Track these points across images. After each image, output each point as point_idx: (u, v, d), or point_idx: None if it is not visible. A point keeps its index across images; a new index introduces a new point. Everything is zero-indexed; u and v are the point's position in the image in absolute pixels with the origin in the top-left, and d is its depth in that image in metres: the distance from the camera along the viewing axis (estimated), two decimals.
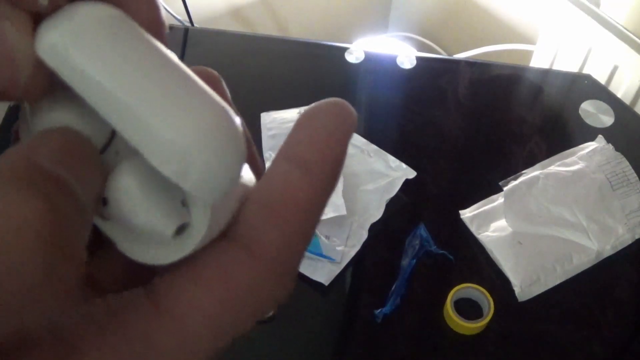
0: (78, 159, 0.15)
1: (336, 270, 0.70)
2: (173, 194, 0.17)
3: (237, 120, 0.15)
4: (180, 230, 0.17)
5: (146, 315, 0.15)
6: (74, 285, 0.14)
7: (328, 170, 0.17)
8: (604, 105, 0.87)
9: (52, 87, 0.16)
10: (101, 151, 0.17)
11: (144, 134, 0.14)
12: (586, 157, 0.76)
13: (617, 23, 0.97)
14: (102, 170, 0.16)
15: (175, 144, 0.14)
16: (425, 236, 0.72)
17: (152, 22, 0.17)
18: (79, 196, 0.14)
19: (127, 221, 0.17)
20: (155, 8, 0.17)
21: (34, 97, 0.16)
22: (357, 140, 0.82)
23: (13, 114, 0.84)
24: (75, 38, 0.15)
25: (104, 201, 0.17)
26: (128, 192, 0.16)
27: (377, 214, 0.75)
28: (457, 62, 1.01)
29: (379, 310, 0.67)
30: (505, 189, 0.74)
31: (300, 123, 0.17)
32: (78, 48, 0.15)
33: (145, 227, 0.16)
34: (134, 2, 0.17)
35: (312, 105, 0.18)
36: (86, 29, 0.15)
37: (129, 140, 0.15)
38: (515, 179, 0.76)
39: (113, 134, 0.17)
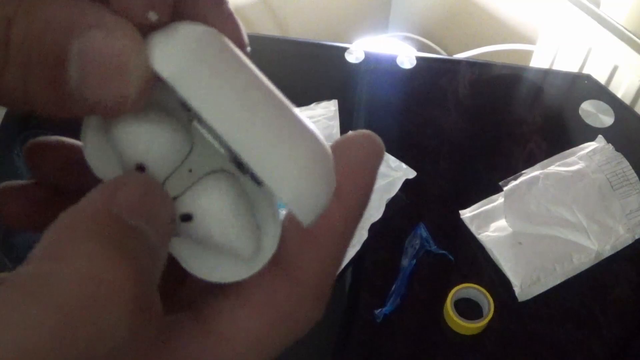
0: (155, 208, 0.15)
1: None
2: (251, 216, 0.17)
3: (329, 150, 0.16)
4: (254, 251, 0.17)
5: (197, 337, 0.15)
6: (154, 336, 0.14)
7: (360, 198, 0.18)
8: (604, 105, 0.87)
9: None
10: (177, 167, 0.17)
11: (265, 162, 0.15)
12: (586, 157, 0.76)
13: (617, 23, 0.97)
14: (173, 207, 0.16)
15: (291, 173, 0.15)
16: (425, 236, 0.72)
17: (237, 43, 0.17)
18: (156, 246, 0.15)
19: (208, 238, 0.17)
20: (238, 28, 0.17)
21: (138, 111, 0.15)
22: None
23: (13, 114, 0.84)
24: (197, 56, 0.15)
25: (186, 217, 0.17)
26: (220, 208, 0.16)
27: (377, 214, 0.75)
28: (457, 62, 1.01)
29: (379, 310, 0.67)
30: (505, 189, 0.74)
31: (333, 152, 0.17)
32: (202, 67, 0.15)
33: (226, 245, 0.17)
34: (220, 23, 0.17)
35: (344, 136, 0.19)
36: (204, 49, 0.15)
37: (247, 163, 0.15)
38: (515, 179, 0.76)
39: (189, 152, 0.17)
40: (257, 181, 0.17)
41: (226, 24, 0.17)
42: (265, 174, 0.15)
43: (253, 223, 0.17)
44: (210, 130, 0.17)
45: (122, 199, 0.14)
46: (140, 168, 0.16)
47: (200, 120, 0.17)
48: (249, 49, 0.17)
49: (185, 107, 0.17)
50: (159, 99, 0.16)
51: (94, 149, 0.17)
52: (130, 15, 0.14)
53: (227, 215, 0.16)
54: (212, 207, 0.16)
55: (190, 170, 0.17)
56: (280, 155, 0.15)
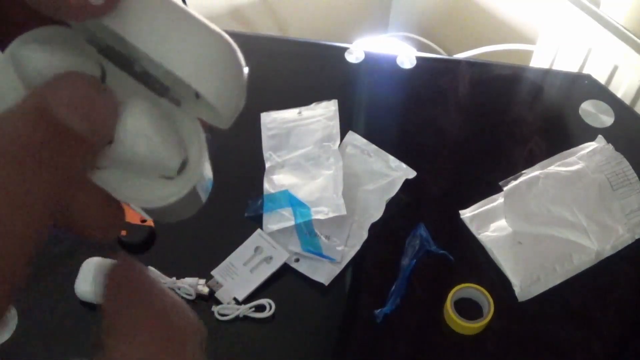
0: (94, 107, 0.16)
1: (336, 270, 0.70)
2: (174, 133, 0.18)
3: (235, 47, 0.18)
4: (181, 168, 0.18)
5: None
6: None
7: None
8: (604, 105, 0.87)
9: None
10: None
11: (178, 59, 0.16)
12: (586, 157, 0.76)
13: (617, 23, 0.97)
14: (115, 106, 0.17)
15: (201, 61, 0.16)
16: (425, 236, 0.72)
17: None
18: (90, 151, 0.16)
19: (134, 160, 0.18)
20: None
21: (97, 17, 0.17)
22: (357, 140, 0.82)
23: None
24: None
25: (109, 141, 0.18)
26: (140, 129, 0.17)
27: (377, 214, 0.75)
28: (457, 62, 1.01)
29: (379, 310, 0.67)
30: (505, 189, 0.74)
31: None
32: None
33: (154, 163, 0.18)
34: None
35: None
36: None
37: (160, 63, 0.16)
38: (515, 179, 0.76)
39: (103, 74, 0.18)
40: (175, 102, 0.19)
41: None
42: (175, 68, 0.16)
43: (175, 138, 0.18)
44: (121, 62, 0.18)
45: (59, 97, 0.16)
46: None
47: (110, 53, 0.18)
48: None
49: (93, 42, 0.19)
50: (67, 35, 0.18)
51: (2, 80, 0.18)
52: None
53: (148, 132, 0.17)
54: (131, 124, 0.17)
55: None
56: (190, 51, 0.16)
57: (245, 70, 0.18)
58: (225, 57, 0.17)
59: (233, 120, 0.18)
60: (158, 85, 0.18)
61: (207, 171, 0.20)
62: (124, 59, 0.18)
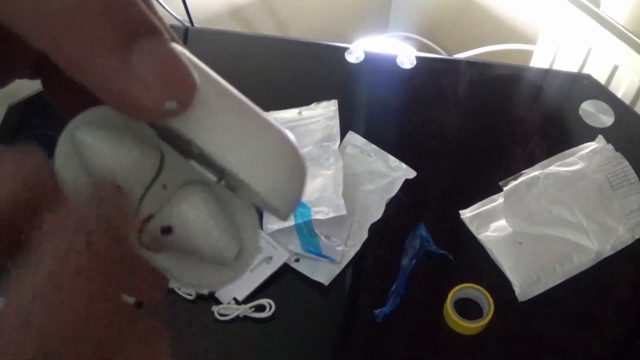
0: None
1: (336, 270, 0.70)
2: (230, 220, 0.18)
3: (296, 144, 0.18)
4: (237, 254, 0.18)
5: None
6: None
7: None
8: (604, 105, 0.87)
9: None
10: (150, 183, 0.18)
11: (238, 162, 0.17)
12: (586, 157, 0.76)
13: (617, 23, 0.97)
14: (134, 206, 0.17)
15: (264, 169, 0.17)
16: (425, 236, 0.72)
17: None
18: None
19: (191, 246, 0.18)
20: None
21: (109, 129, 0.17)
22: (357, 140, 0.82)
23: (14, 114, 0.84)
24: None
25: (167, 230, 0.17)
26: (197, 215, 0.17)
27: (377, 214, 0.75)
28: (457, 62, 1.01)
29: (379, 310, 0.67)
30: (505, 189, 0.74)
31: None
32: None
33: (209, 250, 0.18)
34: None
35: None
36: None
37: (223, 166, 0.17)
38: (515, 179, 0.76)
39: (160, 168, 0.18)
40: (230, 187, 0.18)
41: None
42: (239, 171, 0.16)
43: (232, 226, 0.18)
44: (178, 143, 0.18)
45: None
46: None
47: (169, 135, 0.18)
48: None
49: (152, 125, 0.18)
50: (127, 119, 0.17)
51: (65, 163, 0.18)
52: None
53: (204, 221, 0.17)
54: (190, 214, 0.17)
55: (164, 186, 0.18)
56: (252, 154, 0.17)
57: (306, 167, 0.18)
58: (286, 158, 0.17)
59: (290, 214, 0.18)
60: (215, 169, 0.18)
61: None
62: (182, 141, 0.18)
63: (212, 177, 0.18)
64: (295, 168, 0.17)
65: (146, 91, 0.15)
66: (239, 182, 0.17)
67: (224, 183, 0.18)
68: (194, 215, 0.17)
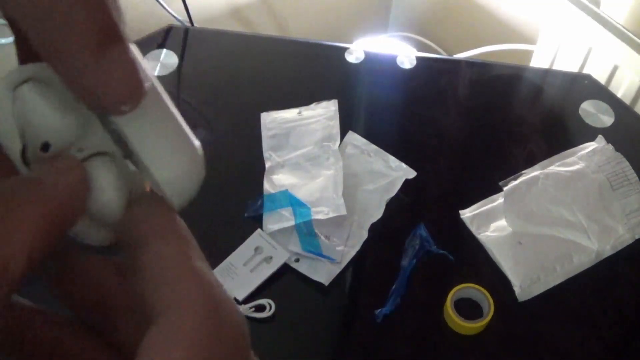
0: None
1: (336, 270, 0.70)
2: (124, 193, 0.21)
3: (201, 152, 0.22)
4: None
5: None
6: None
7: None
8: (604, 105, 0.87)
9: None
10: (70, 144, 0.20)
11: (152, 161, 0.20)
12: (586, 157, 0.76)
13: (617, 23, 0.97)
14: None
15: (174, 177, 0.21)
16: (425, 236, 0.72)
17: None
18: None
19: (99, 213, 0.21)
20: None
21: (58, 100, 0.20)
22: (357, 140, 0.82)
23: None
24: None
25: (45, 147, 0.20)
26: (105, 181, 0.20)
27: (377, 214, 0.75)
28: (457, 62, 1.01)
29: (379, 310, 0.67)
30: (505, 189, 0.74)
31: None
32: None
33: (97, 210, 0.21)
34: None
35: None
36: None
37: (142, 161, 0.20)
38: (515, 179, 0.76)
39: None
40: (135, 164, 0.21)
41: None
42: (146, 158, 0.20)
43: (123, 195, 0.21)
44: (107, 124, 0.21)
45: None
46: (45, 146, 0.20)
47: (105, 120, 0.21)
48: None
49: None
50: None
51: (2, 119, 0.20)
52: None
53: (108, 187, 0.20)
54: (98, 180, 0.20)
55: (80, 150, 0.20)
56: (161, 147, 0.20)
57: (202, 173, 0.22)
58: (187, 161, 0.21)
59: (181, 206, 0.21)
60: (126, 150, 0.21)
61: None
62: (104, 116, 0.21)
63: (120, 152, 0.21)
64: (192, 171, 0.21)
65: (109, 93, 0.18)
66: (143, 167, 0.20)
67: (131, 161, 0.21)
68: (95, 175, 0.20)
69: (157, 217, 0.20)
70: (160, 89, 0.20)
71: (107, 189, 0.20)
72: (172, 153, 0.20)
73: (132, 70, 0.18)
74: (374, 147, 0.81)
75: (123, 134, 0.20)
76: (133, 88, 0.18)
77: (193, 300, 0.18)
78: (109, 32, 0.17)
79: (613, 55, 0.98)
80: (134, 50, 0.18)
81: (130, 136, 0.20)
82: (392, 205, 0.76)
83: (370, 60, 0.93)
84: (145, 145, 0.20)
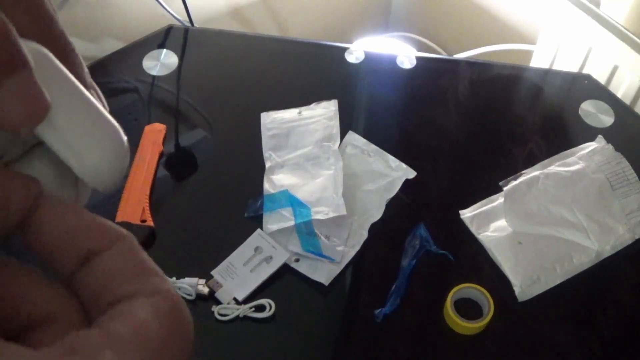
0: None
1: (336, 270, 0.70)
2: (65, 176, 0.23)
3: (124, 137, 0.23)
4: None
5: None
6: None
7: None
8: (604, 105, 0.87)
9: None
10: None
11: (71, 158, 0.22)
12: (586, 157, 0.76)
13: (617, 23, 0.97)
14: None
15: (93, 165, 0.22)
16: (425, 236, 0.72)
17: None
18: None
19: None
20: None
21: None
22: (357, 140, 0.82)
23: None
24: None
25: None
26: (47, 168, 0.22)
27: (377, 214, 0.75)
28: (457, 62, 1.01)
29: (379, 310, 0.67)
30: (505, 189, 0.74)
31: None
32: None
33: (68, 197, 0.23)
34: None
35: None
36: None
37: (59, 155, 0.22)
38: (515, 179, 0.76)
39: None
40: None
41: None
42: (66, 159, 0.22)
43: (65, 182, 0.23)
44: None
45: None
46: None
47: None
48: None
49: None
50: None
51: None
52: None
53: (49, 174, 0.22)
54: (41, 168, 0.22)
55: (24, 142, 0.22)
56: (80, 147, 0.22)
57: (126, 159, 0.23)
58: (108, 148, 0.23)
59: (107, 188, 0.23)
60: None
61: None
62: None
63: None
64: (112, 159, 0.23)
65: (6, 119, 0.19)
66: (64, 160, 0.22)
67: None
68: (43, 166, 0.22)
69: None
70: (72, 79, 0.22)
71: (47, 178, 0.22)
72: (87, 148, 0.22)
73: (32, 93, 0.19)
74: (374, 147, 0.81)
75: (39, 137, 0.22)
76: (31, 113, 0.20)
77: (152, 292, 0.20)
78: (6, 63, 0.19)
79: (613, 55, 0.98)
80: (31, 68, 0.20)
81: (44, 139, 0.21)
82: (392, 205, 0.76)
83: (370, 60, 0.93)
84: (59, 145, 0.21)
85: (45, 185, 0.22)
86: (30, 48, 0.20)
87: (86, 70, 0.24)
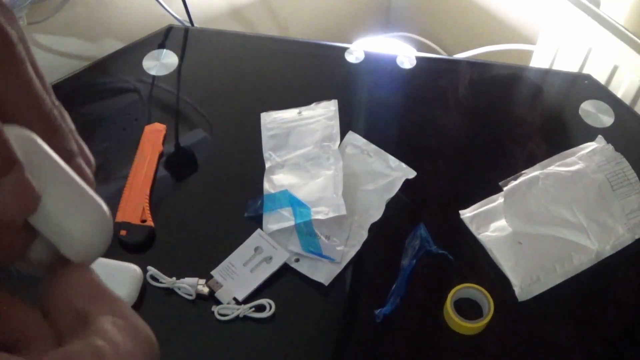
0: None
1: (336, 270, 0.70)
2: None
3: (107, 211, 0.24)
4: None
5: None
6: None
7: None
8: (604, 105, 0.87)
9: None
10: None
11: (58, 241, 0.23)
12: (586, 157, 0.76)
13: (617, 23, 0.97)
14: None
15: (79, 241, 0.24)
16: (425, 236, 0.72)
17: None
18: None
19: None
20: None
21: None
22: (357, 140, 0.82)
23: None
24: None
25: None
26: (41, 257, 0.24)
27: (377, 214, 0.75)
28: (457, 62, 1.01)
29: (379, 310, 0.67)
30: (505, 189, 0.74)
31: None
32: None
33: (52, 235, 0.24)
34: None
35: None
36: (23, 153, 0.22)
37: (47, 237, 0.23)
38: (515, 179, 0.76)
39: None
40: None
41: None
42: (56, 243, 0.24)
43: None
44: None
45: None
46: None
47: None
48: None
49: None
50: None
51: None
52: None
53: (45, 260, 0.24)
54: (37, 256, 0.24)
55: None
56: (69, 231, 0.23)
57: (110, 234, 0.25)
58: (92, 225, 0.24)
59: (87, 261, 0.24)
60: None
61: None
62: None
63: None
64: (95, 233, 0.24)
65: (5, 212, 0.21)
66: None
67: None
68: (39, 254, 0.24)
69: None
70: (58, 168, 0.23)
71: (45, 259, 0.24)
72: (74, 229, 0.23)
73: (24, 190, 0.21)
74: (374, 147, 0.81)
75: None
76: (23, 208, 0.21)
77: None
78: (1, 164, 0.20)
79: (613, 55, 0.98)
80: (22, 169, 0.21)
81: (34, 225, 0.23)
82: (392, 205, 0.76)
83: (370, 60, 0.93)
84: (47, 230, 0.23)
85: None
86: (19, 136, 0.22)
87: (76, 135, 0.25)
